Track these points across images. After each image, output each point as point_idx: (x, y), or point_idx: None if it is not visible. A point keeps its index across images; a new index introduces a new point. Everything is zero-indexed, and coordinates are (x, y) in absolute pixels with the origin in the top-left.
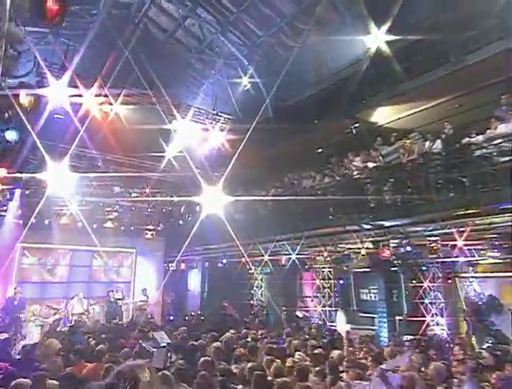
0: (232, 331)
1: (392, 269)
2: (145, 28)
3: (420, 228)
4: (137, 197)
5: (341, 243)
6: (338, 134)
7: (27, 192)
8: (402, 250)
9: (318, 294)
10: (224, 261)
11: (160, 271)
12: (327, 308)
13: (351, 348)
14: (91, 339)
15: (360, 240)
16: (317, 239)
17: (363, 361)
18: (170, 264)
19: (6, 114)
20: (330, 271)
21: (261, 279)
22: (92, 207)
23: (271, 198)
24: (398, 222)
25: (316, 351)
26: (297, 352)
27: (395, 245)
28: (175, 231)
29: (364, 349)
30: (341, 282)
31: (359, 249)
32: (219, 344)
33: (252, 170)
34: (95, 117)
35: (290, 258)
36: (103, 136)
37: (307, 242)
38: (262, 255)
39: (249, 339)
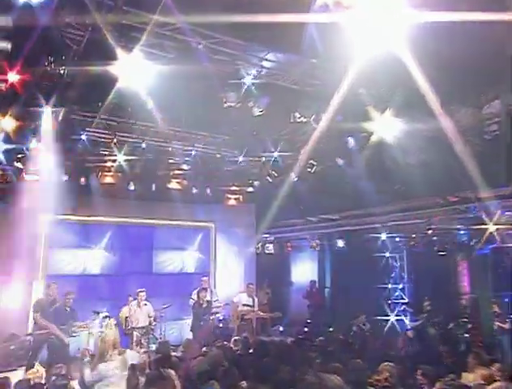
0: None
1: None
2: None
3: None
4: (260, 112)
5: None
6: None
7: (60, 117)
8: None
9: None
10: (384, 236)
11: (250, 256)
12: None
13: None
14: None
15: None
16: None
17: None
18: (266, 245)
19: None
20: None
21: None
22: (150, 157)
23: None
24: None
25: None
26: None
27: None
28: (274, 193)
29: None
30: None
31: None
32: None
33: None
34: None
35: None
36: None
37: None
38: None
39: None
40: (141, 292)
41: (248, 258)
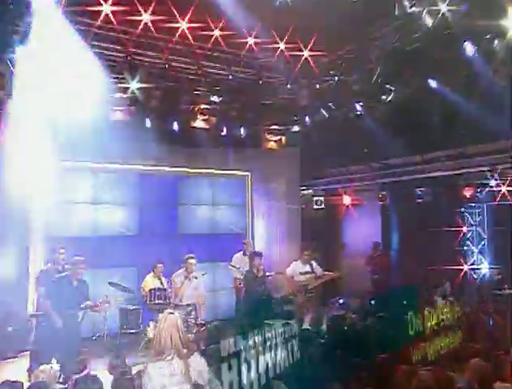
0: None
1: None
2: None
3: None
4: None
5: None
6: None
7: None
8: None
9: None
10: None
11: (294, 212)
12: None
13: None
14: None
15: None
16: None
17: None
18: (315, 199)
19: None
20: None
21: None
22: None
23: None
24: None
25: None
26: None
27: None
28: (327, 132)
29: None
30: None
31: None
32: None
33: None
34: None
35: None
36: None
37: None
38: None
39: None
40: (190, 259)
41: (291, 214)
